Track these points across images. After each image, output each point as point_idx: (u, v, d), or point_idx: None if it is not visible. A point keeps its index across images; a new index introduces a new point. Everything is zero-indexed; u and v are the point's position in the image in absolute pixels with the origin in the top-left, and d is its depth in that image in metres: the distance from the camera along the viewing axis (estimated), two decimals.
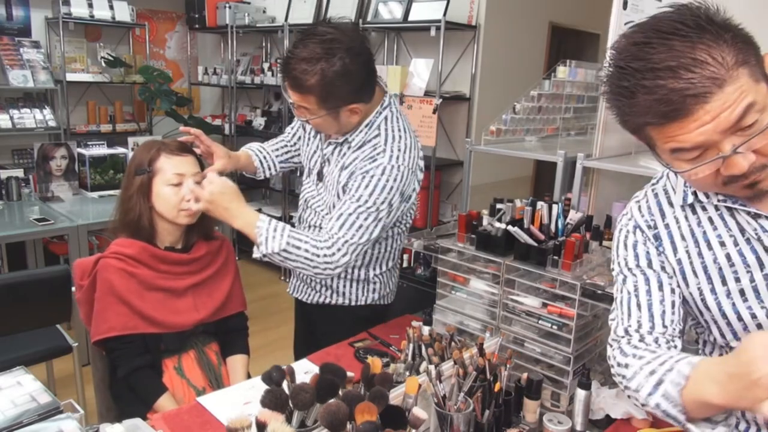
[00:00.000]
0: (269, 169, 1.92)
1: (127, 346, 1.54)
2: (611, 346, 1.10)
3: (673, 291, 1.06)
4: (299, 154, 1.90)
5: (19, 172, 3.44)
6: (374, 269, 1.76)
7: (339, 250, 1.51)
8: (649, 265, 1.08)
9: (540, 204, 1.53)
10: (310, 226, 1.77)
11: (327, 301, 1.80)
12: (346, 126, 1.59)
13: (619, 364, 1.05)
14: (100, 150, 3.61)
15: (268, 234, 1.49)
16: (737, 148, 0.85)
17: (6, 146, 4.54)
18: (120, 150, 3.69)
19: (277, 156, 1.93)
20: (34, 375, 1.16)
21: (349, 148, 1.63)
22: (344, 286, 1.77)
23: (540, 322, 1.43)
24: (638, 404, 1.02)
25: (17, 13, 4.58)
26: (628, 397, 1.03)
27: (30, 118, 4.43)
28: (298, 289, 1.87)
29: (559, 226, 1.52)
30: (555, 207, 1.53)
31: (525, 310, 1.46)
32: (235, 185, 1.55)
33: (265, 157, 1.90)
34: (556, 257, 1.42)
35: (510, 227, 1.47)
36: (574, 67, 2.51)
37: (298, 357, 1.76)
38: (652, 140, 0.92)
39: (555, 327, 1.41)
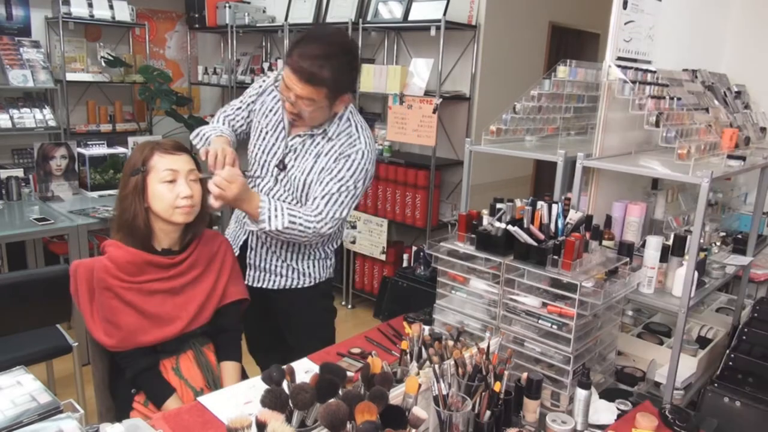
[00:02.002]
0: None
1: (133, 349, 1.54)
2: None
3: None
4: (247, 127, 1.98)
5: (19, 172, 3.43)
6: (332, 245, 1.97)
7: (326, 223, 1.74)
8: None
9: (540, 204, 1.53)
10: None
11: (294, 284, 1.92)
12: (331, 116, 1.78)
13: None
14: (100, 150, 3.61)
15: (271, 214, 1.67)
16: None
17: (6, 146, 4.54)
18: (120, 150, 3.68)
19: (236, 132, 1.98)
20: (34, 375, 1.16)
21: (325, 138, 1.79)
22: (310, 266, 1.93)
23: (540, 321, 1.43)
24: None
25: (17, 12, 4.58)
26: None
27: (30, 117, 4.43)
28: (259, 279, 1.94)
29: (559, 225, 1.52)
30: (555, 207, 1.53)
31: (525, 309, 1.46)
32: (242, 176, 1.67)
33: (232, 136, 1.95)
34: (556, 257, 1.42)
35: (510, 227, 1.47)
36: (574, 66, 2.50)
37: (261, 354, 2.01)
38: None
39: (555, 327, 1.41)
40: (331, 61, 1.63)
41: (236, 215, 2.00)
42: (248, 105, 1.95)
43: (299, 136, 1.81)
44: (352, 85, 1.78)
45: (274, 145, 1.85)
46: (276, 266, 1.92)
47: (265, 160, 1.87)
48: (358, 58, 1.75)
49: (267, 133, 1.87)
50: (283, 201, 1.81)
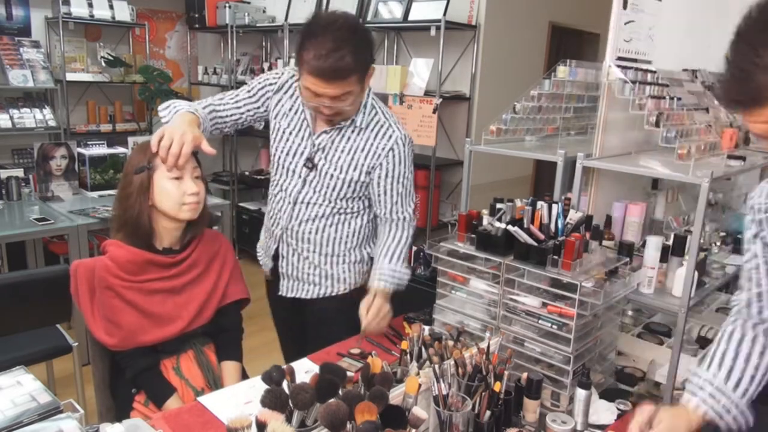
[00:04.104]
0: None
1: (133, 348, 1.54)
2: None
3: None
4: (232, 128, 1.85)
5: (19, 172, 3.43)
6: (367, 247, 1.88)
7: (414, 219, 1.84)
8: None
9: (540, 204, 1.53)
10: (301, 222, 1.78)
11: (328, 292, 1.85)
12: (363, 96, 1.72)
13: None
14: (100, 150, 3.61)
15: (388, 281, 1.79)
16: None
17: (6, 146, 4.54)
18: (120, 150, 3.68)
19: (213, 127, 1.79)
20: (34, 375, 1.16)
21: (354, 130, 1.74)
22: (345, 272, 1.86)
23: (540, 321, 1.43)
24: None
25: (17, 12, 4.58)
26: None
27: (30, 117, 4.43)
28: (293, 289, 1.87)
29: (559, 225, 1.52)
30: (555, 207, 1.53)
31: (525, 309, 1.46)
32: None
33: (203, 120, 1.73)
34: (556, 257, 1.42)
35: (510, 227, 1.47)
36: (574, 67, 2.50)
37: (289, 359, 1.78)
38: None
39: (555, 327, 1.41)
40: (348, 46, 1.53)
41: (266, 225, 1.92)
42: (246, 106, 1.79)
43: (326, 132, 1.73)
44: (372, 57, 1.66)
45: (300, 145, 1.76)
46: (309, 274, 1.84)
47: (291, 162, 1.78)
48: (364, 26, 1.70)
49: (291, 134, 1.78)
50: (313, 203, 1.77)
